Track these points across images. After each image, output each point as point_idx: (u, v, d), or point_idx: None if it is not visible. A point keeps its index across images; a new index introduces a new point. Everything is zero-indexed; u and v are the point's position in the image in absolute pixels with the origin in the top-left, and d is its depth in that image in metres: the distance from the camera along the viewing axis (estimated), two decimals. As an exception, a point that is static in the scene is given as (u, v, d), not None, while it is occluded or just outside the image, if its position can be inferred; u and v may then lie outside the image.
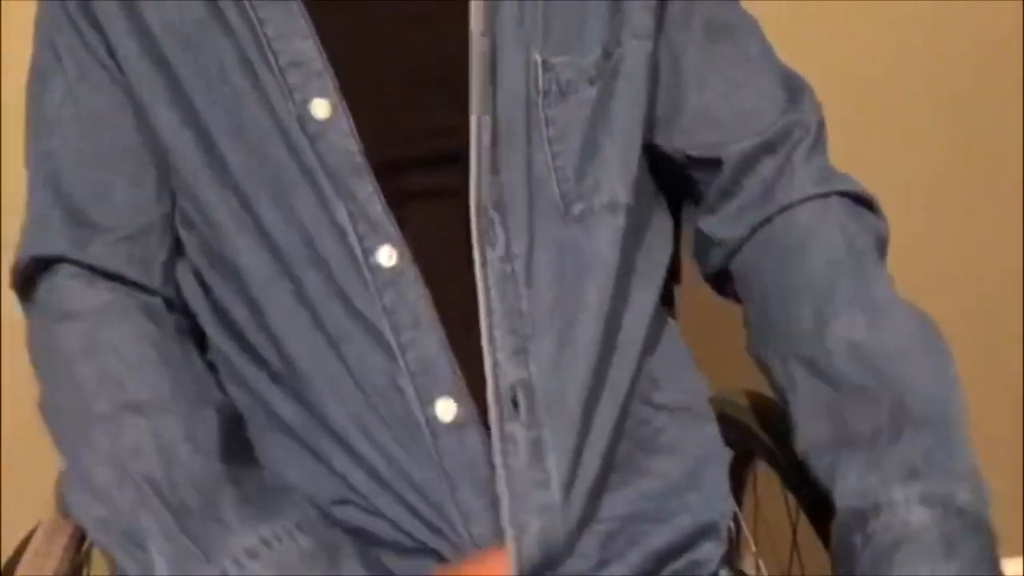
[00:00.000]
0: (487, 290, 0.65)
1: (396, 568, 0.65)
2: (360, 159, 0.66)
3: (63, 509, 0.67)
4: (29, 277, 0.72)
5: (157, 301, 0.72)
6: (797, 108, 0.75)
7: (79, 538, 0.74)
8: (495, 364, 0.64)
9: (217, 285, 0.71)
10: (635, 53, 0.72)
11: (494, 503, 0.63)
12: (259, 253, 0.68)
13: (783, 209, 0.73)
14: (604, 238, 0.69)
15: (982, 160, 1.20)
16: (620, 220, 0.70)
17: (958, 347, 0.67)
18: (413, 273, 0.66)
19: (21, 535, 0.75)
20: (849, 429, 0.65)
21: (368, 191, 0.66)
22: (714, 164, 0.75)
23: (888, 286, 0.70)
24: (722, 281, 0.78)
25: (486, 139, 0.67)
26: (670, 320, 0.80)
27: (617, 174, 0.70)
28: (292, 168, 0.67)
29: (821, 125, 0.75)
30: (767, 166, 0.74)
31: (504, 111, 0.68)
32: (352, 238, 0.66)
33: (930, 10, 1.13)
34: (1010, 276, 1.23)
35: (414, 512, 0.64)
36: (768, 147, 0.74)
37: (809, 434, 0.68)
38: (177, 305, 0.74)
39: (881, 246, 0.73)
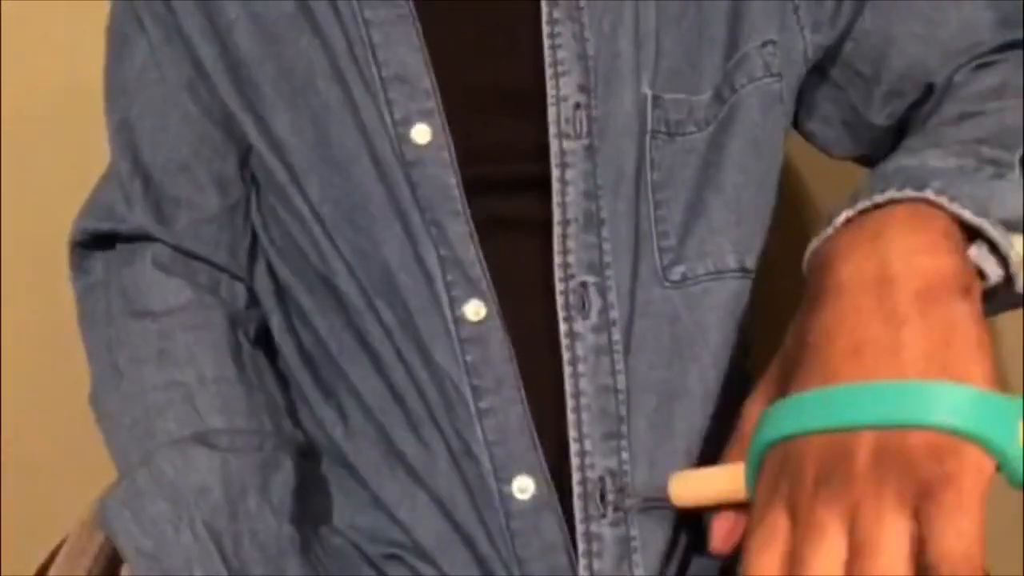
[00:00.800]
0: (574, 364, 0.59)
1: None
2: (457, 194, 0.60)
3: (100, 521, 0.61)
4: (86, 246, 0.67)
5: (242, 292, 0.67)
6: (1014, 28, 0.62)
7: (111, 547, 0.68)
8: (582, 452, 0.58)
9: (295, 300, 0.65)
10: (754, 99, 0.63)
11: None
12: (339, 282, 0.62)
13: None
14: (711, 312, 0.62)
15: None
16: (729, 290, 0.62)
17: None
18: (500, 330, 0.59)
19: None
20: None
21: (462, 232, 0.59)
22: (925, 96, 0.64)
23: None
24: None
25: (573, 201, 0.59)
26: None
27: (729, 239, 0.62)
28: (379, 195, 0.60)
29: None
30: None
31: (612, 146, 0.60)
32: (439, 286, 0.59)
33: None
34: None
35: None
36: (983, 63, 0.62)
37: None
38: (257, 301, 0.68)
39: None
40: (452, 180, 0.59)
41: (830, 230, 0.48)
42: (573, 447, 0.58)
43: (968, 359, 0.41)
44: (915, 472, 0.38)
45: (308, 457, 0.65)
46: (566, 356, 0.58)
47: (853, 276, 0.44)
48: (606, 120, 0.60)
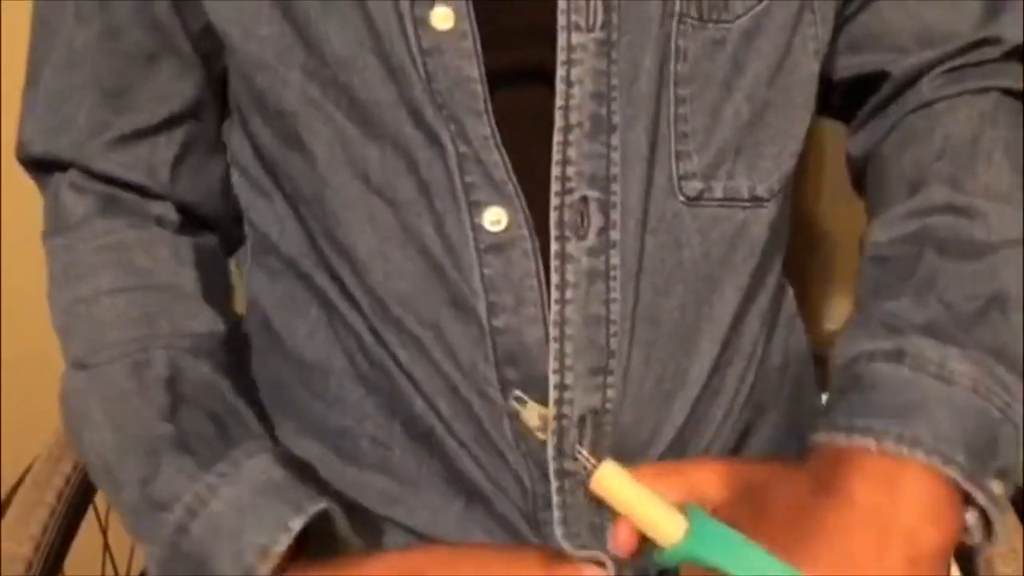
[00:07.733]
0: (562, 289, 0.53)
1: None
2: (479, 90, 0.52)
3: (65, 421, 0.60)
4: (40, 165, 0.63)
5: (164, 208, 0.63)
6: (994, 22, 0.60)
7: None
8: (561, 386, 0.53)
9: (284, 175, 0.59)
10: None
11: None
12: (341, 170, 0.55)
13: (927, 104, 0.61)
14: (716, 246, 0.56)
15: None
16: (735, 225, 0.57)
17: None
18: (527, 241, 0.53)
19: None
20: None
21: (484, 134, 0.52)
22: (877, 79, 0.63)
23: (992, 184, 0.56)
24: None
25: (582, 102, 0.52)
26: (788, 291, 0.66)
27: (745, 160, 0.56)
28: (388, 96, 0.53)
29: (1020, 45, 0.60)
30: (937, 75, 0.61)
31: (631, 38, 0.53)
32: (459, 189, 0.53)
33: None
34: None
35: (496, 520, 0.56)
36: (944, 60, 0.61)
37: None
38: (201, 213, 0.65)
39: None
40: (475, 72, 0.52)
41: (848, 438, 0.49)
42: (552, 379, 0.53)
43: None
44: None
45: (239, 344, 0.62)
46: (554, 280, 0.52)
47: (865, 508, 0.46)
48: (628, 7, 0.52)
